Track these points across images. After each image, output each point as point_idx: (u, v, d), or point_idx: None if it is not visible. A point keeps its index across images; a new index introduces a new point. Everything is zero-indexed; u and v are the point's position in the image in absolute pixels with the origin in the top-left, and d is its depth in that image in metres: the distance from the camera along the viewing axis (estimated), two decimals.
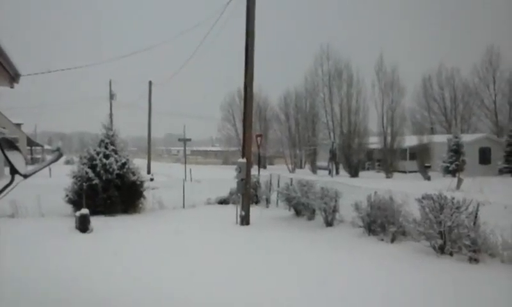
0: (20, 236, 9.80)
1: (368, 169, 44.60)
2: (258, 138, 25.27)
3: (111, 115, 33.11)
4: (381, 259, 8.10)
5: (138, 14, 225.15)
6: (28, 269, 7.05)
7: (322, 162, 44.83)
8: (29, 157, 47.43)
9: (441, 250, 8.24)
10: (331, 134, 45.07)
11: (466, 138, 38.40)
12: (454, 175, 31.23)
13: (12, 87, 3.88)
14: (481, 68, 49.90)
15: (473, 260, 7.71)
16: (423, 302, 5.87)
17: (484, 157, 39.35)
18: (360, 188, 11.84)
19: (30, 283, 6.31)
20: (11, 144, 2.94)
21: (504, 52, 48.72)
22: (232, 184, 14.32)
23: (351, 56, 56.29)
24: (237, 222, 12.07)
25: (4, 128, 29.14)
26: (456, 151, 36.15)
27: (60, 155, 3.54)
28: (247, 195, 12.40)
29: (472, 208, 8.12)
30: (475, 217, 8.04)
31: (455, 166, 35.10)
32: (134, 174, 13.91)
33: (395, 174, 38.33)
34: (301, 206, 12.83)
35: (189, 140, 33.73)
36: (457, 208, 8.14)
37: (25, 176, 2.93)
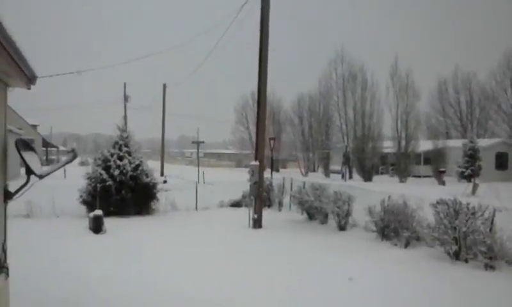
0: (34, 236, 9.94)
1: (382, 173, 44.20)
2: (272, 141, 25.31)
3: (125, 117, 33.37)
4: (393, 264, 8.01)
5: (151, 17, 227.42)
6: (39, 269, 7.12)
7: (336, 166, 44.55)
8: (44, 157, 48.09)
9: (456, 256, 8.12)
10: (345, 138, 44.80)
11: (482, 143, 37.80)
12: (469, 180, 30.77)
13: (29, 88, 3.93)
14: (498, 72, 48.92)
15: (489, 267, 7.58)
16: None
17: (501, 162, 38.73)
18: (374, 193, 11.73)
19: (39, 282, 6.37)
20: (27, 145, 2.99)
21: None
22: (245, 187, 14.31)
23: (366, 59, 55.97)
24: (249, 225, 12.05)
25: (20, 129, 29.63)
26: (472, 156, 35.65)
27: (75, 156, 3.59)
28: (260, 198, 12.37)
29: (488, 214, 7.99)
30: (492, 223, 7.91)
31: (470, 171, 34.61)
32: (147, 176, 13.99)
33: (409, 179, 37.93)
34: (313, 210, 12.77)
35: (203, 142, 33.90)
36: (473, 213, 8.03)
37: (41, 177, 2.99)
